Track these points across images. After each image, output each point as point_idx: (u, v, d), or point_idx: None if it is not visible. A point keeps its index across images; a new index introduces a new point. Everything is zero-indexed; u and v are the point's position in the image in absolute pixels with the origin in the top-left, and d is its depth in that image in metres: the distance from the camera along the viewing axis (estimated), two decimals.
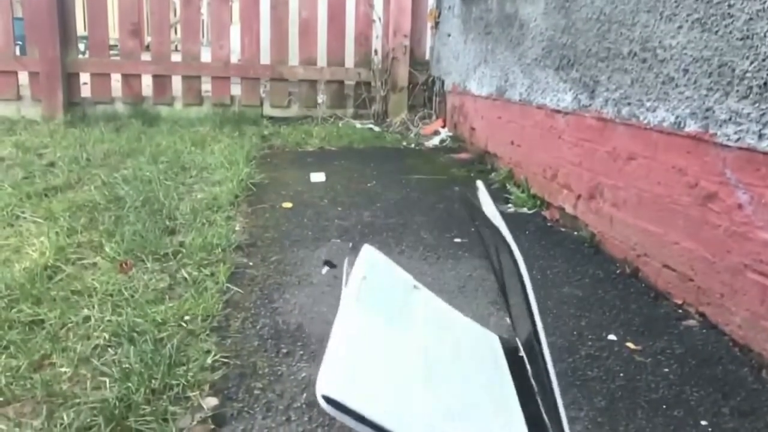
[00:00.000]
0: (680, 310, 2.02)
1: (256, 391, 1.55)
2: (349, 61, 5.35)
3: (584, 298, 2.12)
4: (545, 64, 3.07)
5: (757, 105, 1.71)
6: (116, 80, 5.15)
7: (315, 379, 1.57)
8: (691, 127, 1.99)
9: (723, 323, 1.86)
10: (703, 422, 1.48)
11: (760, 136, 1.70)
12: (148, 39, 5.57)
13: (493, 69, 3.83)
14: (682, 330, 1.91)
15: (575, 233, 2.73)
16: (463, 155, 4.25)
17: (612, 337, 1.86)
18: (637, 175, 2.30)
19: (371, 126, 5.19)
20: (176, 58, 5.28)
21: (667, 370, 1.69)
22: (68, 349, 1.66)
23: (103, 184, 3.17)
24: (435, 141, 4.73)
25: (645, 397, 1.57)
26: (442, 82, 5.05)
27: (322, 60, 5.29)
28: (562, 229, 2.82)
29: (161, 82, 5.16)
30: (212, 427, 1.41)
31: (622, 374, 1.67)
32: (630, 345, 1.81)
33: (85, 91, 5.14)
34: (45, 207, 2.77)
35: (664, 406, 1.53)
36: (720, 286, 1.86)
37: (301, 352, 1.73)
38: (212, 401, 1.50)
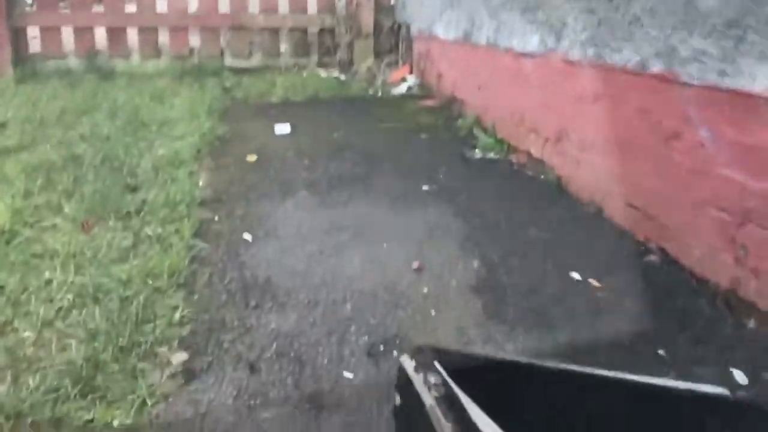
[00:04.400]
0: (643, 247, 2.06)
1: (226, 344, 1.55)
2: (312, 7, 5.18)
3: (550, 240, 2.14)
4: (512, 6, 3.01)
5: (719, 43, 1.70)
6: (68, 34, 4.92)
7: (284, 330, 1.59)
8: (656, 66, 1.98)
9: (683, 258, 1.91)
10: (660, 351, 1.53)
11: (722, 74, 1.70)
12: None
13: (459, 12, 3.75)
14: (643, 266, 1.95)
15: (542, 176, 2.74)
16: (431, 102, 4.20)
17: (576, 275, 1.89)
18: (603, 117, 2.30)
19: (336, 75, 5.07)
20: (131, 8, 5.04)
21: (628, 305, 1.74)
22: (30, 314, 1.62)
23: (59, 143, 3.05)
24: (402, 88, 4.65)
25: (606, 331, 1.62)
26: (408, 28, 4.94)
27: (283, 7, 5.12)
28: (530, 173, 2.83)
29: (116, 34, 4.94)
30: (182, 381, 1.41)
31: (584, 311, 1.71)
32: (593, 282, 1.85)
33: (35, 47, 4.90)
34: None
35: (625, 340, 1.58)
36: (681, 222, 1.90)
37: (270, 304, 1.73)
38: (182, 356, 1.50)
